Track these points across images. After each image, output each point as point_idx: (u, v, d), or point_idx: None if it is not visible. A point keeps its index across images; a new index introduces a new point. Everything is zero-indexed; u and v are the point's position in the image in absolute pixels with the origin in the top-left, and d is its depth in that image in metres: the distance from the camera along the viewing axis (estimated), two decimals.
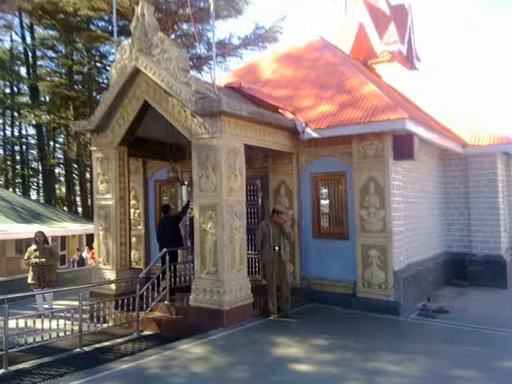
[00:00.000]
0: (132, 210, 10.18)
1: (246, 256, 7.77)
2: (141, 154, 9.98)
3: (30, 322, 6.26)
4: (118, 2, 17.72)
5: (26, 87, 30.71)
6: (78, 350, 6.66)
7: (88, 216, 23.19)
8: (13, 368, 5.92)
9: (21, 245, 16.80)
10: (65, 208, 30.41)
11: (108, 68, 24.57)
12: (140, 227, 10.91)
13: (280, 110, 9.22)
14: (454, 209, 11.70)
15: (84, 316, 6.99)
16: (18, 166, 32.99)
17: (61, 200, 33.53)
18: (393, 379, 5.09)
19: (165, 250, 8.10)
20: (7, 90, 31.42)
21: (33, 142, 33.70)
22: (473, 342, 6.53)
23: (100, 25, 26.59)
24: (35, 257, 9.34)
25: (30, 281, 9.38)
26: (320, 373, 5.28)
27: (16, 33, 29.74)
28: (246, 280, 7.56)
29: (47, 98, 29.55)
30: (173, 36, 23.20)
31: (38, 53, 29.09)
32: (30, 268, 9.41)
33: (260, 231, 7.98)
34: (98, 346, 6.94)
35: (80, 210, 30.81)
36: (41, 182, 33.50)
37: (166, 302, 7.96)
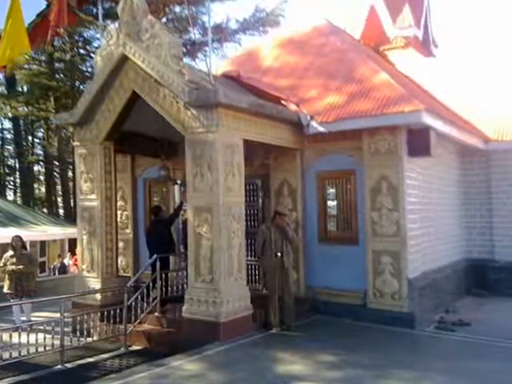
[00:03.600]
0: (119, 212, 10.19)
1: (245, 263, 7.78)
2: (129, 150, 9.99)
3: (5, 336, 6.24)
4: None
5: (1, 76, 30.70)
6: (59, 366, 6.65)
7: (70, 218, 23.18)
8: None
9: None
10: (45, 210, 30.41)
11: (92, 55, 24.54)
12: (128, 231, 10.92)
13: (283, 102, 9.23)
14: (474, 210, 11.70)
15: (66, 329, 6.97)
16: None
17: (40, 201, 33.53)
18: None
19: (155, 256, 8.11)
20: None
21: (9, 136, 33.74)
22: (495, 357, 6.53)
23: (84, 7, 26.58)
24: (12, 264, 9.35)
25: (6, 290, 9.38)
26: None
27: None
28: (245, 289, 7.57)
29: (25, 88, 29.55)
30: (164, 20, 23.18)
31: None
32: (7, 276, 9.41)
33: (260, 235, 8.00)
34: (81, 362, 6.93)
35: (61, 211, 30.81)
36: (18, 180, 33.52)
37: (156, 314, 7.96)
